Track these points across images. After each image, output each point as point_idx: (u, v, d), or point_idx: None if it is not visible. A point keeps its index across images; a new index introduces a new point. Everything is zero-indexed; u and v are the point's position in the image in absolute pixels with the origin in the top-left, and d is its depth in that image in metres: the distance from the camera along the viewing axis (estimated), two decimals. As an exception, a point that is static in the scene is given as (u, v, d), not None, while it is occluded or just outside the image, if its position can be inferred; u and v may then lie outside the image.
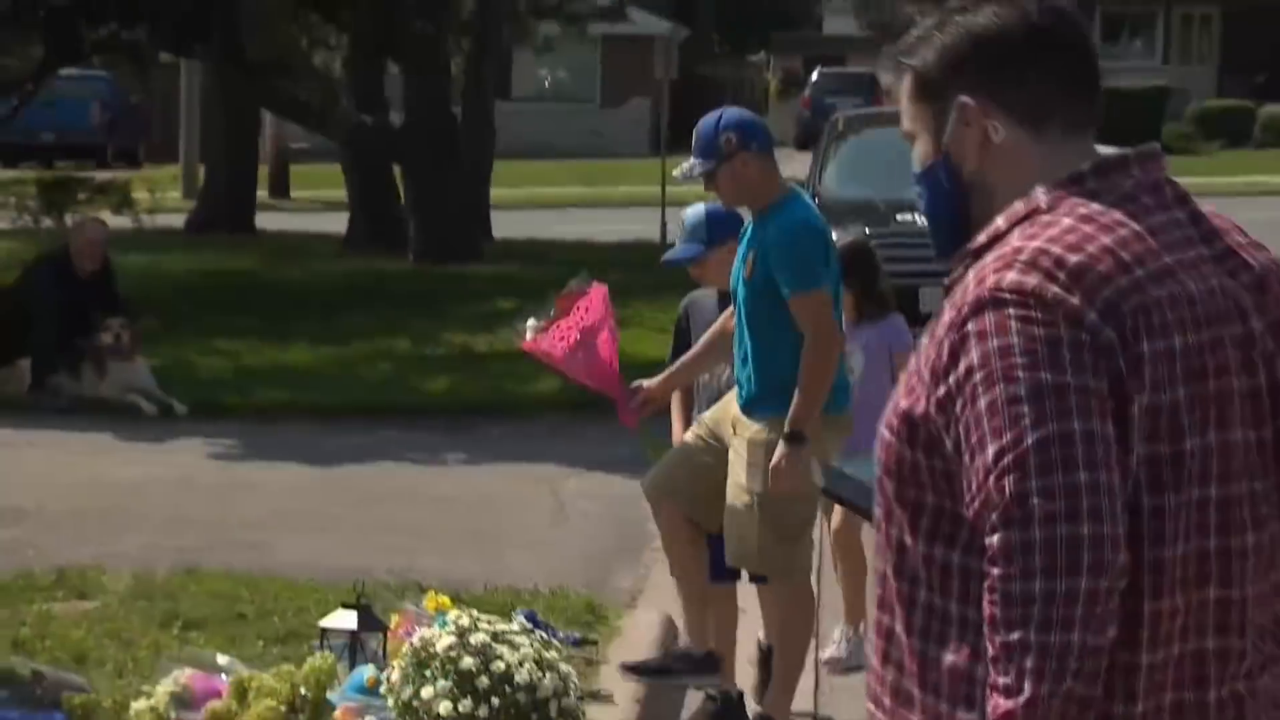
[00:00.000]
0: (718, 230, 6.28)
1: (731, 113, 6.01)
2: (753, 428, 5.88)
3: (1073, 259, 2.25)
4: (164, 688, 5.57)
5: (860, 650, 6.98)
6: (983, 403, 2.22)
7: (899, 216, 14.34)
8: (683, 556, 6.23)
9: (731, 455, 5.96)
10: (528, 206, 28.04)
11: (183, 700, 5.53)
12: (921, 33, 2.44)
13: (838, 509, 6.80)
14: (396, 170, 21.28)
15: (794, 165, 33.84)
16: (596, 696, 5.96)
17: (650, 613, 7.41)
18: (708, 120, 5.94)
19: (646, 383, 6.26)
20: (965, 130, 2.40)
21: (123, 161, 35.31)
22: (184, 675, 5.65)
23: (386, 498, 9.66)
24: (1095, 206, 2.33)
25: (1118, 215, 2.32)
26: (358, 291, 17.49)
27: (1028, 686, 2.16)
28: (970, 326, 2.26)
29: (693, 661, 6.23)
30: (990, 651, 2.20)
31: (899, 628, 2.34)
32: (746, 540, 5.93)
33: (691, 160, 5.94)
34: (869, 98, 40.71)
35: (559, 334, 6.24)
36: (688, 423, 6.54)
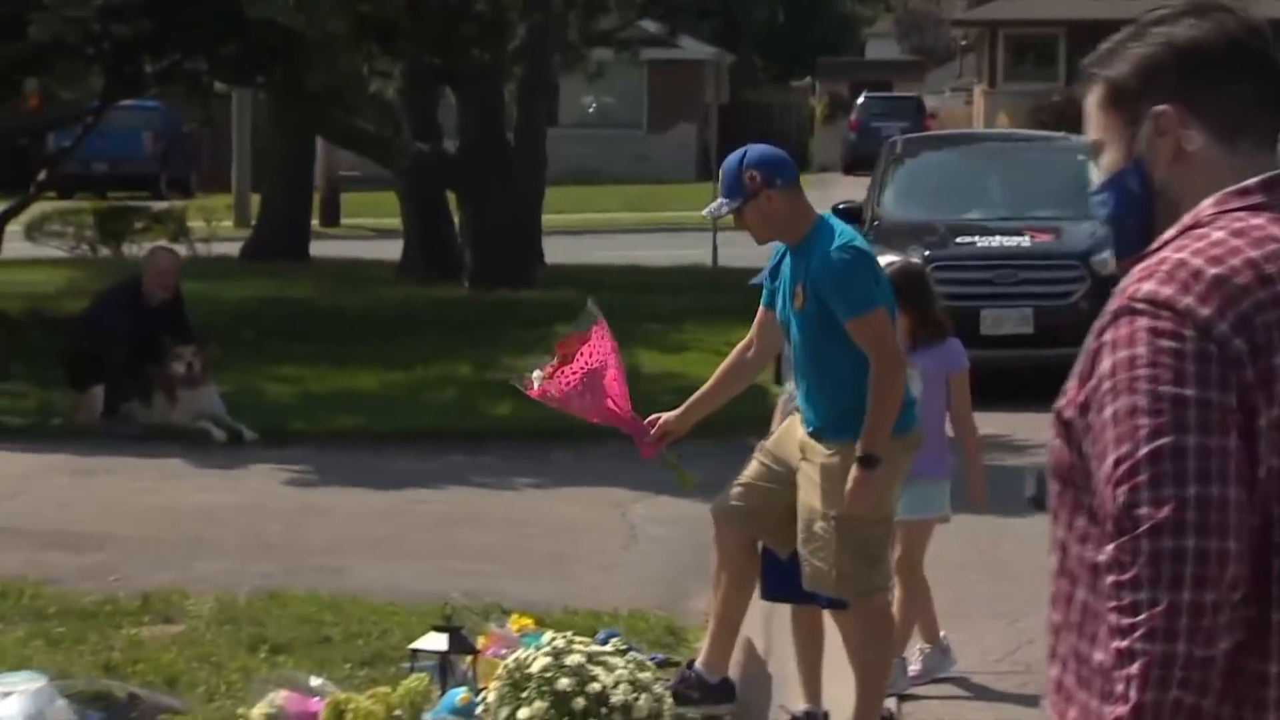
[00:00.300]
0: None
1: (755, 150, 6.04)
2: (824, 452, 5.91)
3: (1211, 271, 2.30)
4: (259, 709, 5.63)
5: (938, 662, 7.00)
6: (1108, 411, 2.28)
7: (958, 239, 14.35)
8: (732, 583, 6.25)
9: (802, 480, 5.98)
10: (577, 231, 28.15)
11: (278, 722, 5.59)
12: (1113, 45, 2.49)
13: (900, 534, 6.79)
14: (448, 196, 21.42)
15: (841, 189, 33.91)
16: (685, 718, 5.99)
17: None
18: (732, 159, 6.00)
19: (665, 416, 6.28)
20: (1159, 140, 2.44)
21: (176, 191, 35.52)
22: (279, 697, 5.71)
23: (458, 522, 9.71)
24: (1254, 220, 2.36)
25: (1274, 230, 2.36)
26: (416, 317, 17.58)
27: (1133, 693, 2.22)
28: (1107, 335, 2.32)
29: (707, 688, 6.21)
30: (1111, 656, 2.26)
31: (1061, 625, 2.41)
32: (824, 565, 5.95)
33: (719, 199, 6.00)
34: (916, 121, 40.75)
35: (564, 378, 6.26)
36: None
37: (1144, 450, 2.24)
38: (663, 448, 6.32)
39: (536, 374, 6.30)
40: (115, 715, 5.46)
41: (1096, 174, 2.53)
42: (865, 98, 46.54)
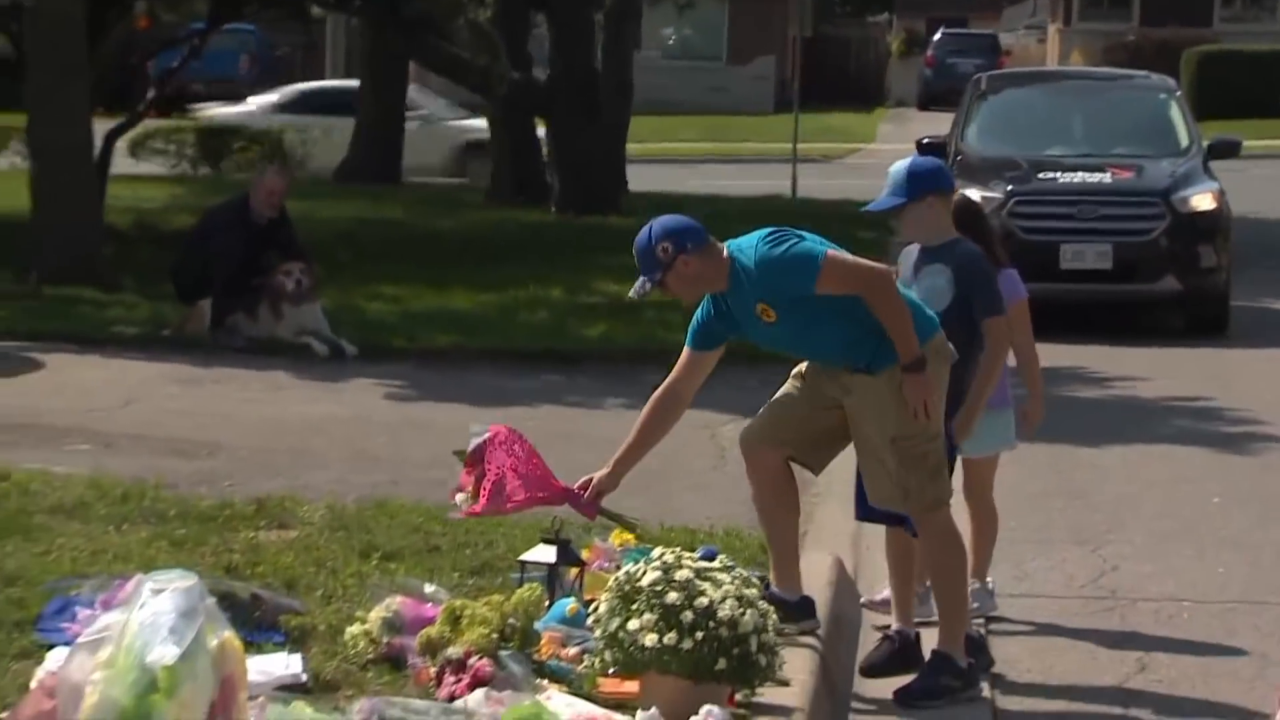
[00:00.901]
0: (917, 185, 6.41)
1: (659, 224, 6.03)
2: (872, 381, 5.99)
3: None
4: (376, 613, 5.71)
5: (985, 600, 6.96)
6: None
7: (1040, 174, 14.26)
8: (776, 506, 6.32)
9: (856, 414, 6.06)
10: (657, 160, 28.08)
11: (394, 625, 5.67)
12: None
13: (962, 466, 6.85)
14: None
15: (916, 124, 33.71)
16: (783, 634, 6.03)
17: (820, 553, 7.46)
18: (641, 238, 6.01)
19: (596, 476, 6.35)
20: None
21: (269, 112, 35.63)
22: (394, 601, 5.79)
23: (555, 439, 9.69)
24: None
25: None
26: (506, 241, 17.63)
27: None
28: None
29: (788, 606, 6.23)
30: None
31: None
32: (888, 484, 6.05)
33: (640, 279, 6.03)
34: (991, 58, 40.35)
35: (484, 498, 6.35)
36: None
37: None
38: (598, 505, 6.40)
39: (460, 498, 6.40)
40: (240, 614, 5.52)
41: None
42: (941, 34, 46.10)
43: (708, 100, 40.28)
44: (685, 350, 6.25)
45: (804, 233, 6.02)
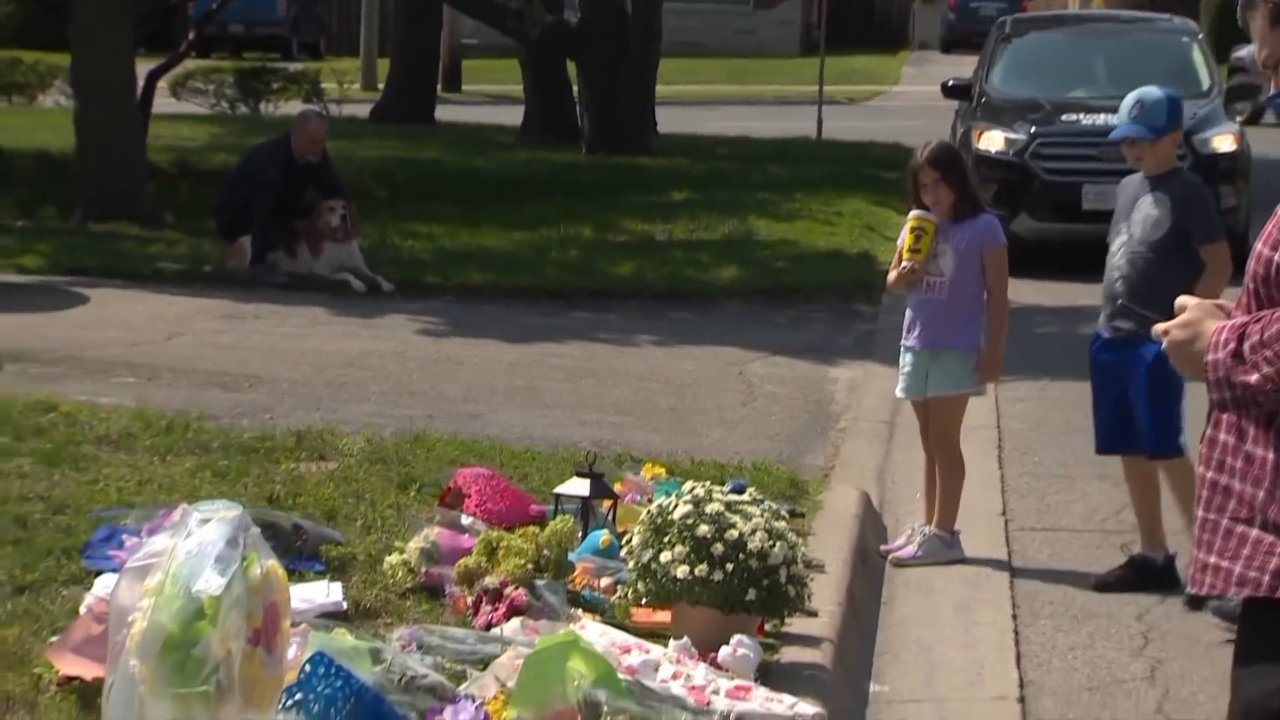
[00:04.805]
0: (1174, 119, 6.55)
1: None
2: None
3: None
4: (414, 543, 5.70)
5: (938, 550, 6.89)
6: None
7: (1064, 116, 14.16)
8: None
9: None
10: (685, 103, 27.95)
11: (432, 555, 5.67)
12: None
13: (932, 409, 7.00)
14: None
15: (940, 67, 33.43)
16: (811, 565, 6.01)
17: (847, 488, 7.46)
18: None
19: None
20: None
21: (305, 53, 35.57)
22: (432, 532, 5.78)
23: (586, 375, 9.75)
24: None
25: None
26: (538, 181, 17.56)
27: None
28: None
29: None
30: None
31: None
32: None
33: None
34: (1014, 2, 39.99)
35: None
36: None
37: None
38: None
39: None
40: (282, 544, 5.52)
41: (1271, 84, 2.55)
42: (964, -23, 45.66)
43: (735, 43, 40.06)
44: None
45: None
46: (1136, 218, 6.53)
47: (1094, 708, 5.43)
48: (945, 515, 6.88)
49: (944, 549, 6.83)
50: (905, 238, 6.89)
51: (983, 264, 6.87)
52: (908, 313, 7.01)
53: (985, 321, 6.91)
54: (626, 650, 4.79)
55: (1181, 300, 3.06)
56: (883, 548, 6.94)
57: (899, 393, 7.08)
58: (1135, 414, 6.52)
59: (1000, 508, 7.55)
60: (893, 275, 7.01)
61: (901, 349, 7.02)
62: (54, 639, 4.65)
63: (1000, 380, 7.50)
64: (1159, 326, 3.05)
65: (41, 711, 4.28)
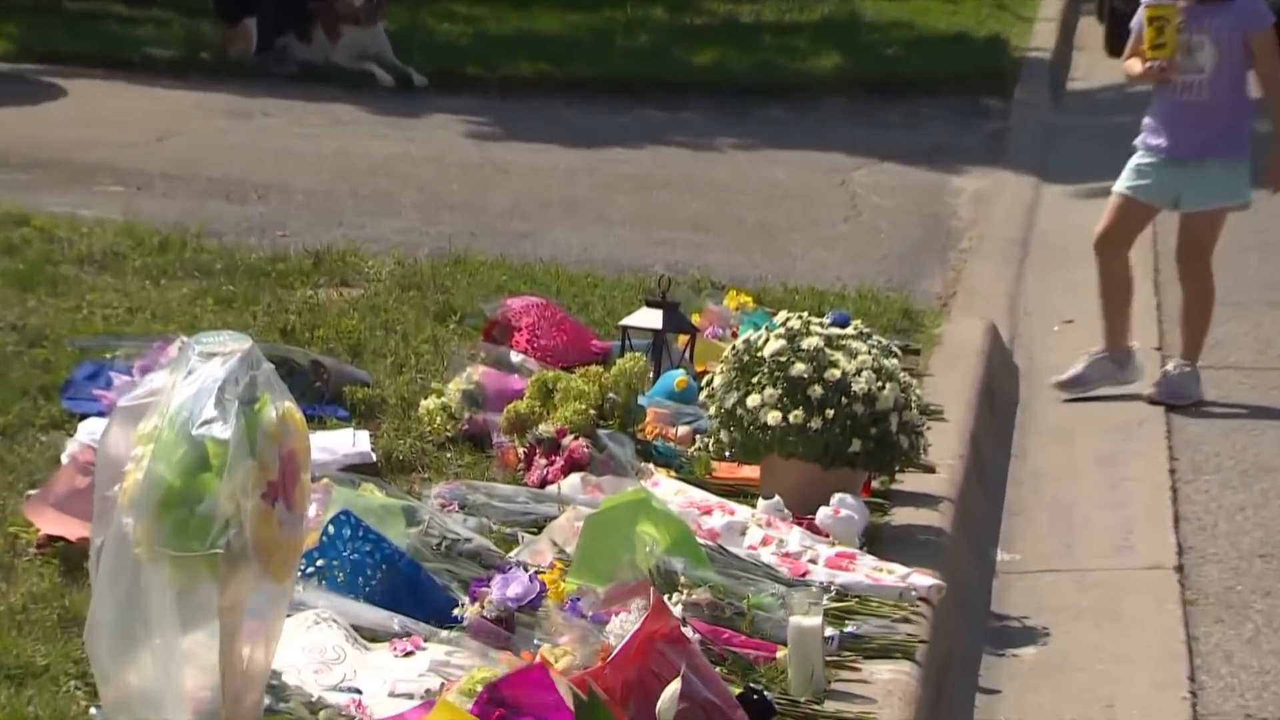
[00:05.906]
0: None
1: None
2: None
3: None
4: (455, 384, 5.72)
5: (1111, 371, 6.95)
6: None
7: None
8: None
9: None
10: None
11: (475, 399, 5.68)
12: None
13: (1185, 223, 6.88)
14: None
15: None
16: (927, 411, 6.00)
17: (970, 319, 7.43)
18: None
19: None
20: None
21: None
22: (476, 372, 5.79)
23: (658, 185, 9.74)
24: None
25: None
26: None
27: None
28: None
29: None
30: None
31: None
32: None
33: None
34: None
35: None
36: None
37: None
38: None
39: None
40: (299, 384, 5.52)
41: None
42: None
43: None
44: None
45: None
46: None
47: (1268, 577, 5.41)
48: (1191, 345, 6.94)
49: (1115, 370, 6.88)
50: (1145, 32, 6.74)
51: (1248, 50, 6.75)
52: (1152, 115, 6.88)
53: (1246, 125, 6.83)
54: (707, 511, 4.81)
55: None
56: (1053, 380, 6.96)
57: (1123, 189, 6.93)
58: None
59: (1156, 340, 7.53)
60: (1135, 65, 6.88)
61: (1141, 146, 6.91)
62: (31, 492, 4.71)
63: None
64: None
65: (19, 576, 4.33)
